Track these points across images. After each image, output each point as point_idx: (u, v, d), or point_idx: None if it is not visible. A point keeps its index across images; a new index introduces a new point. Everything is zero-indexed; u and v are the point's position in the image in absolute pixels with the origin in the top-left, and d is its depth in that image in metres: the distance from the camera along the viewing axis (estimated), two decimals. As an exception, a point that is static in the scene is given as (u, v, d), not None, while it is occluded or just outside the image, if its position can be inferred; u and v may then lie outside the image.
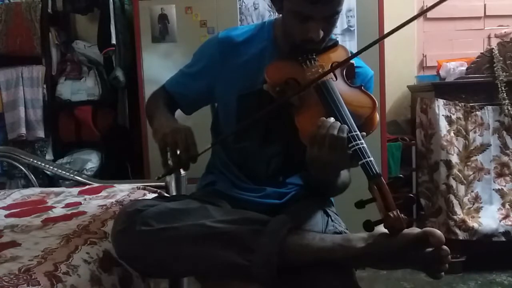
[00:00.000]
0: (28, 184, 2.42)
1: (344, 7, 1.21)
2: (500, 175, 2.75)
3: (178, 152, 1.12)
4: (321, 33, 1.19)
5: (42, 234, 1.28)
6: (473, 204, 2.72)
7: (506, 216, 2.70)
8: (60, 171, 2.20)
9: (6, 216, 1.52)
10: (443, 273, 0.98)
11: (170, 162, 1.14)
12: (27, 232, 1.30)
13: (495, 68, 2.70)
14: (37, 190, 1.95)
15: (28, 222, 1.42)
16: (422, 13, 1.16)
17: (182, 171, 1.78)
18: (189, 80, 1.39)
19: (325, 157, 1.01)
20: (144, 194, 1.77)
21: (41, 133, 2.99)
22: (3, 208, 1.65)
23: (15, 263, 1.04)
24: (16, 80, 2.99)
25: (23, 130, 2.96)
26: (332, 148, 1.00)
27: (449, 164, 2.70)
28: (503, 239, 2.66)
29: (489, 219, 2.68)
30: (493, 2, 3.32)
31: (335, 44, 1.29)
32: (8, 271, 0.99)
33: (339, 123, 1.02)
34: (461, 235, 2.65)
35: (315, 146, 1.02)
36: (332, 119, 1.03)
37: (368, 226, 0.94)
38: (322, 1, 1.14)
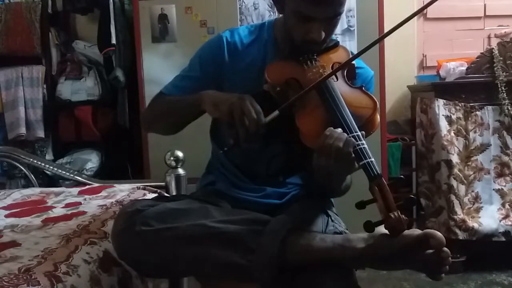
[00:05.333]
0: (28, 184, 2.42)
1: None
2: (500, 175, 2.75)
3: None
4: (323, 34, 1.19)
5: (42, 234, 1.27)
6: (473, 204, 2.72)
7: (506, 216, 2.70)
8: (60, 171, 2.20)
9: (6, 216, 1.52)
10: (443, 274, 0.98)
11: (238, 133, 1.08)
12: (27, 232, 1.30)
13: (495, 68, 2.70)
14: (37, 190, 1.95)
15: (28, 222, 1.42)
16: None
17: (179, 170, 1.77)
18: (191, 83, 1.35)
19: (331, 167, 1.02)
20: (144, 194, 1.77)
21: (41, 133, 2.99)
22: (3, 208, 1.64)
23: (15, 263, 1.04)
24: (16, 80, 2.99)
25: (23, 130, 2.96)
26: (338, 160, 1.00)
27: (449, 164, 2.70)
28: (503, 239, 2.66)
29: (489, 219, 2.68)
30: (493, 2, 3.32)
31: (336, 44, 1.29)
32: (8, 271, 0.98)
33: (345, 135, 1.02)
34: (461, 235, 2.65)
35: (322, 156, 1.02)
36: (339, 130, 1.03)
37: (369, 226, 0.94)
38: (324, 2, 1.14)
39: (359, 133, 1.03)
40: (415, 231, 0.97)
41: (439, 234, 0.95)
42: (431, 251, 0.96)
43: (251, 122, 1.07)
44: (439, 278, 0.98)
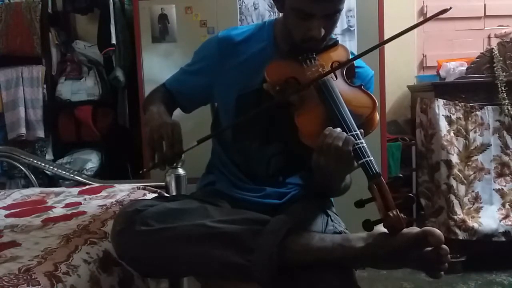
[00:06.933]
0: (28, 184, 2.42)
1: (344, 7, 1.22)
2: (500, 175, 2.75)
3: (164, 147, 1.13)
4: (322, 31, 1.19)
5: (42, 234, 1.27)
6: (473, 204, 2.72)
7: (506, 216, 2.70)
8: (60, 171, 2.20)
9: (6, 216, 1.52)
10: (442, 272, 0.98)
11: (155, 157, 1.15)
12: (27, 232, 1.30)
13: (495, 68, 2.70)
14: (37, 190, 1.94)
15: (28, 222, 1.42)
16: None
17: (179, 170, 1.78)
18: (188, 78, 1.40)
19: (331, 166, 1.02)
20: (144, 194, 1.76)
21: (41, 133, 2.99)
22: (3, 208, 1.64)
23: (15, 263, 1.04)
24: (16, 80, 2.99)
25: (23, 130, 2.96)
26: (338, 159, 1.01)
27: (449, 164, 2.70)
28: (503, 239, 2.66)
29: (489, 219, 2.68)
30: (493, 2, 3.32)
31: (335, 43, 1.29)
32: (8, 271, 0.98)
33: (345, 134, 1.02)
34: (461, 235, 2.65)
35: (321, 155, 1.02)
36: (338, 129, 1.03)
37: (368, 225, 0.94)
38: None
39: (358, 132, 1.03)
40: (414, 229, 0.97)
41: (437, 231, 0.95)
42: (430, 248, 0.96)
43: (168, 149, 1.12)
44: (438, 276, 0.98)
